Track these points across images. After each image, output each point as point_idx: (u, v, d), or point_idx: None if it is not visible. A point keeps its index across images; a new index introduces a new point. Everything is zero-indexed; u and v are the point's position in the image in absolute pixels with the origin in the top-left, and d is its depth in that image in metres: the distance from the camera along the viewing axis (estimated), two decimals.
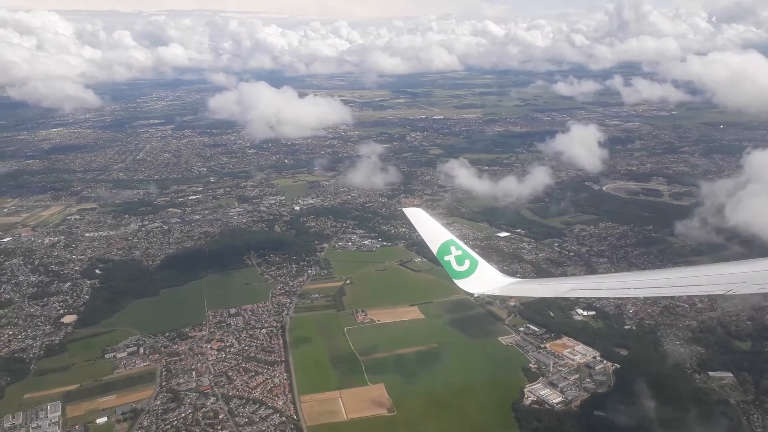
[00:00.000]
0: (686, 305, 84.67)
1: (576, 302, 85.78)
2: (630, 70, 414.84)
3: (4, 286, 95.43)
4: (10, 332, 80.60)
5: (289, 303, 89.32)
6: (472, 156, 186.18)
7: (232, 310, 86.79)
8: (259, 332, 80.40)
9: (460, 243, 26.36)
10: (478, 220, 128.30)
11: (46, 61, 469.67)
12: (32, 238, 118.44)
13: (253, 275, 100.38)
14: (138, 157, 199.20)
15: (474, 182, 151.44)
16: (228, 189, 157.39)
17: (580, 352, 74.03)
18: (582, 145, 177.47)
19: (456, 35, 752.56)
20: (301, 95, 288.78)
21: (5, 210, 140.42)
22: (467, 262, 26.13)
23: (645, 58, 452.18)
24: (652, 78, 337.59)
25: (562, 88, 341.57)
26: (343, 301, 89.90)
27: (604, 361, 71.89)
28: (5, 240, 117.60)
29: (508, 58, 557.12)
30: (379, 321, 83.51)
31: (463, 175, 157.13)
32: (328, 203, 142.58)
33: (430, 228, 27.11)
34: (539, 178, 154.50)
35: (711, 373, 68.72)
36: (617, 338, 77.58)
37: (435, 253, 26.55)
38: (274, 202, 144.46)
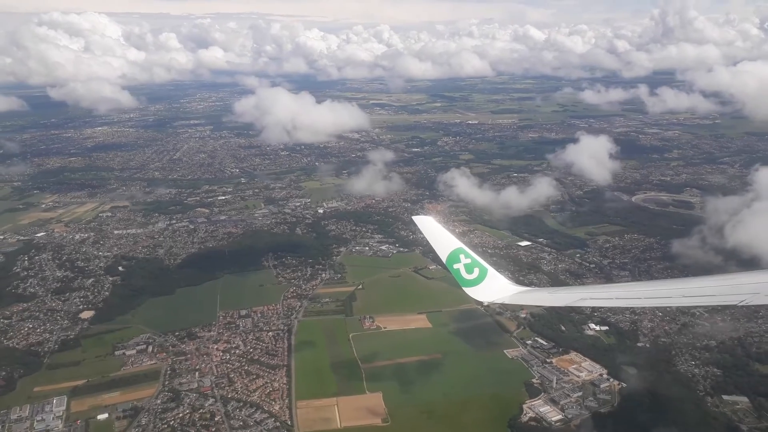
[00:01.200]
0: (706, 324, 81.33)
1: (589, 316, 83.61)
2: (665, 77, 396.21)
3: (30, 280, 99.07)
4: (30, 325, 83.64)
5: (299, 306, 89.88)
6: (503, 162, 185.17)
7: (243, 312, 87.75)
8: (266, 335, 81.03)
9: (470, 251, 26.19)
10: (500, 228, 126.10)
11: (90, 63, 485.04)
12: (64, 234, 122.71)
13: (268, 277, 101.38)
14: (175, 157, 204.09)
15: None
16: (257, 190, 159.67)
17: (586, 369, 71.91)
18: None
19: (491, 40, 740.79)
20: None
21: (43, 206, 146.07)
22: (476, 270, 25.91)
23: (683, 66, 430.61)
24: (680, 88, 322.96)
25: (601, 95, 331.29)
26: (353, 307, 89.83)
27: (611, 380, 69.61)
28: (39, 235, 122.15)
29: (541, 64, 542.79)
30: (385, 328, 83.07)
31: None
32: (351, 207, 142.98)
33: (439, 236, 26.93)
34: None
35: (725, 397, 65.82)
36: (628, 356, 74.91)
37: (444, 261, 26.37)
38: (299, 204, 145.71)
